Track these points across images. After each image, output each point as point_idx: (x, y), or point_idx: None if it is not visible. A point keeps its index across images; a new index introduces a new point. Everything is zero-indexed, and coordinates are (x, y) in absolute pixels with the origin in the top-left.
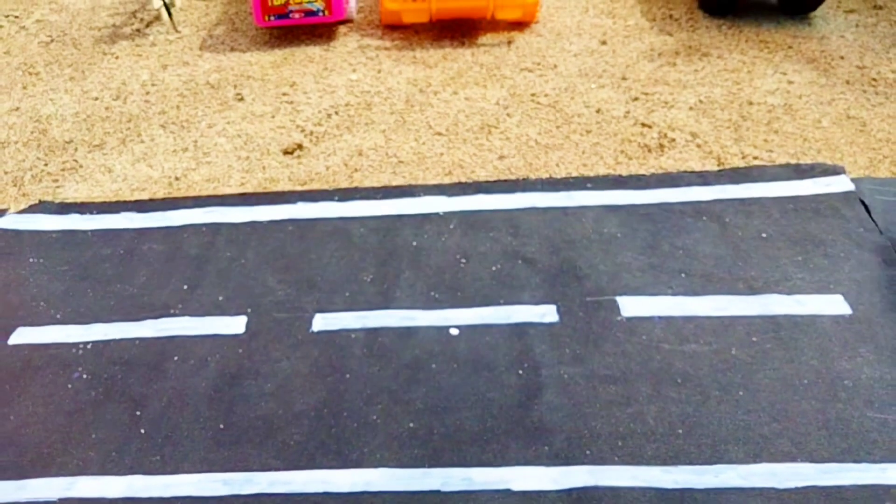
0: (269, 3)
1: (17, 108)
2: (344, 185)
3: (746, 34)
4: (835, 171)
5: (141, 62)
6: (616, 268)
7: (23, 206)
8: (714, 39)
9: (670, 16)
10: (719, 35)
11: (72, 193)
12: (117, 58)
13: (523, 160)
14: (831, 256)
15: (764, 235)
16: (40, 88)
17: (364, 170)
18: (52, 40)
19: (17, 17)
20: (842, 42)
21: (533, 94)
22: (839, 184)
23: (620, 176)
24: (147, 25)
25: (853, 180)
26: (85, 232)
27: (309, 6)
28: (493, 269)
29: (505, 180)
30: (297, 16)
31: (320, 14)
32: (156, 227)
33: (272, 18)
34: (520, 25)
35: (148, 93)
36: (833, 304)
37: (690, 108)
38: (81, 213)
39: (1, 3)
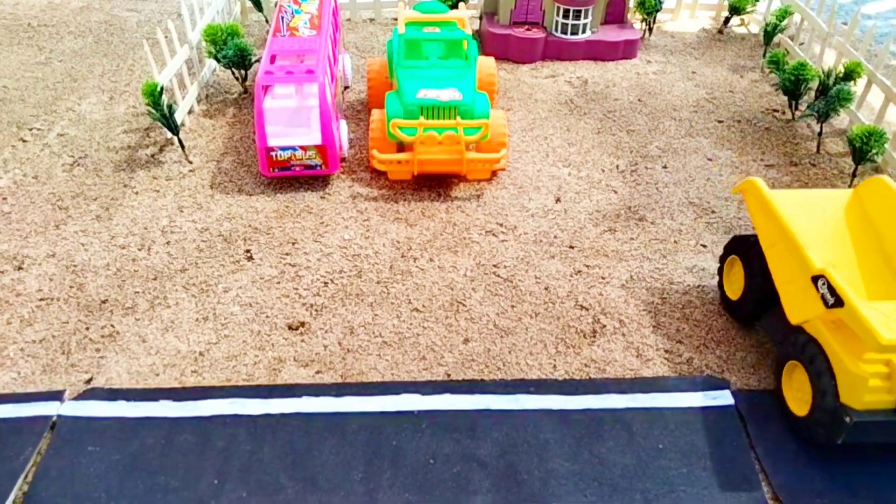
0: (274, 159)
1: (54, 255)
2: (339, 367)
3: (681, 194)
4: (720, 385)
5: (159, 201)
6: (546, 474)
7: (76, 387)
8: (651, 199)
9: (616, 166)
10: (656, 193)
11: (114, 366)
12: (137, 193)
13: (483, 345)
14: (708, 470)
15: (661, 447)
16: (71, 228)
17: (355, 351)
18: (75, 163)
19: (39, 129)
20: None
21: (495, 266)
22: (723, 398)
23: (556, 380)
24: (160, 150)
25: (736, 392)
26: (131, 419)
27: (308, 161)
28: (454, 470)
29: (466, 380)
30: (297, 168)
31: (318, 168)
32: (189, 417)
33: (276, 170)
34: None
35: (168, 242)
36: None
37: (622, 286)
38: (127, 399)
39: (22, 110)
